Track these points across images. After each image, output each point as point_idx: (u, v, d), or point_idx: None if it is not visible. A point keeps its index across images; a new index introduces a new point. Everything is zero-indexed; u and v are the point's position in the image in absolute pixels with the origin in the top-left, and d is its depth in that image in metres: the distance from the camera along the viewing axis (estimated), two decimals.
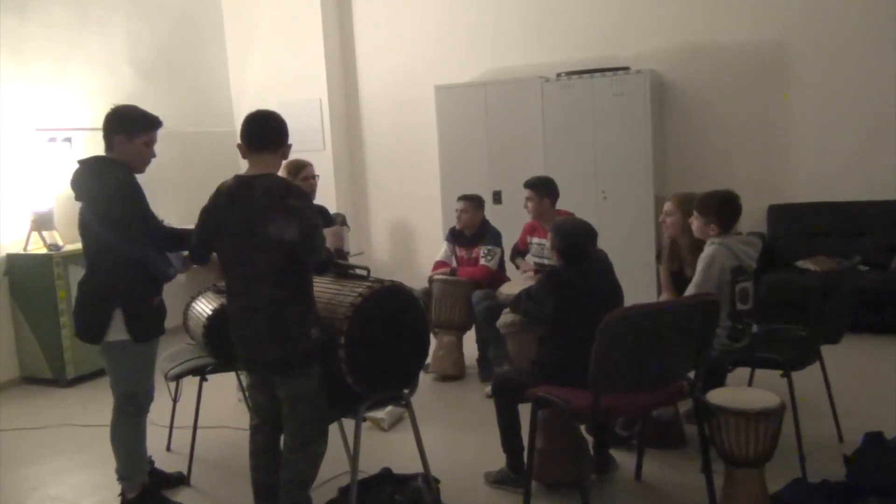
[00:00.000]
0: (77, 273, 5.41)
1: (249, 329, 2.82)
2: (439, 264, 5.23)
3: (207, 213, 2.90)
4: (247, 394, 2.99)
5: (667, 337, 2.88)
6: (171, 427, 4.05)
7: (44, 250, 5.46)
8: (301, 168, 4.41)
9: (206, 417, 3.91)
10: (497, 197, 6.61)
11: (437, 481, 3.31)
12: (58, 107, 5.90)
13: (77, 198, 3.22)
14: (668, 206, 3.94)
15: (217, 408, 4.49)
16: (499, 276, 4.99)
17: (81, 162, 3.25)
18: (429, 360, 5.07)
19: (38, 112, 5.74)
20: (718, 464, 3.00)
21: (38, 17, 5.79)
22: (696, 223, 3.62)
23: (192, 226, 3.02)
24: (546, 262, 4.56)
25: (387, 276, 3.35)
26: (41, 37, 5.81)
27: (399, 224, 7.72)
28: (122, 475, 3.31)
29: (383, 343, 2.95)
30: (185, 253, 3.29)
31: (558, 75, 6.43)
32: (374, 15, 7.50)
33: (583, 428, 3.47)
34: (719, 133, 6.41)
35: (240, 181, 2.82)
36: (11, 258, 5.50)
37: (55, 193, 5.71)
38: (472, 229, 5.12)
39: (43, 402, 5.14)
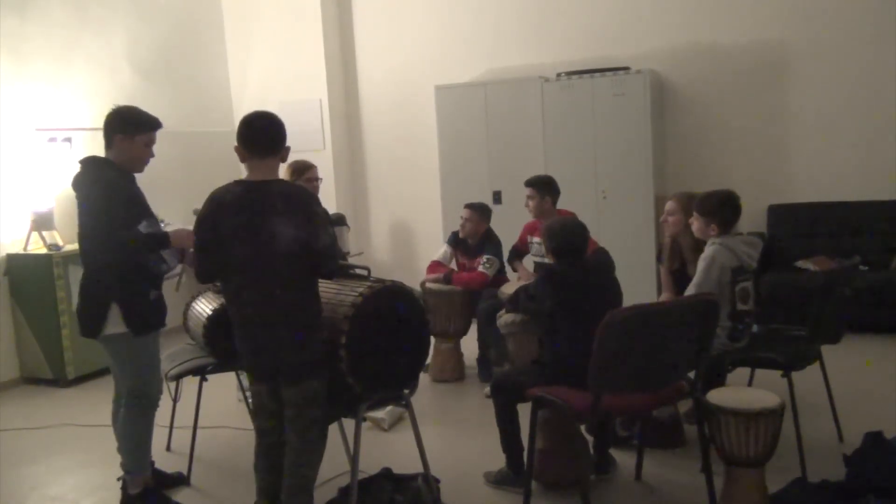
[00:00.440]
0: (77, 273, 5.40)
1: (267, 337, 2.76)
2: (435, 264, 5.21)
3: (207, 224, 2.76)
4: (250, 399, 2.98)
5: (667, 337, 2.88)
6: (171, 427, 4.05)
7: (44, 250, 5.46)
8: (306, 169, 4.38)
9: (206, 417, 3.91)
10: (497, 197, 6.60)
11: (437, 481, 3.31)
12: (58, 107, 5.90)
13: (77, 197, 3.23)
14: (669, 205, 3.94)
15: (217, 408, 4.49)
16: (498, 278, 5.00)
17: (80, 162, 3.29)
18: (428, 360, 5.11)
19: (38, 112, 5.74)
20: (718, 464, 3.00)
21: (38, 17, 5.79)
22: (696, 223, 3.62)
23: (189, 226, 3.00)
24: (547, 261, 4.56)
25: (387, 276, 3.35)
26: (41, 37, 5.81)
27: (399, 224, 7.72)
28: (128, 469, 3.33)
29: (384, 343, 2.95)
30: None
31: (558, 75, 6.43)
32: (374, 15, 7.50)
33: (583, 428, 3.47)
34: (719, 133, 6.41)
35: (249, 187, 2.72)
36: (11, 258, 5.50)
37: (55, 193, 5.71)
38: (474, 239, 5.10)
39: (43, 402, 5.14)
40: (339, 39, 7.61)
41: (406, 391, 3.15)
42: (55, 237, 5.60)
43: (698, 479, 3.07)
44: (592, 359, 2.72)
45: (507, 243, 5.16)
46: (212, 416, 4.25)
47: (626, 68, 6.21)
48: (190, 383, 3.81)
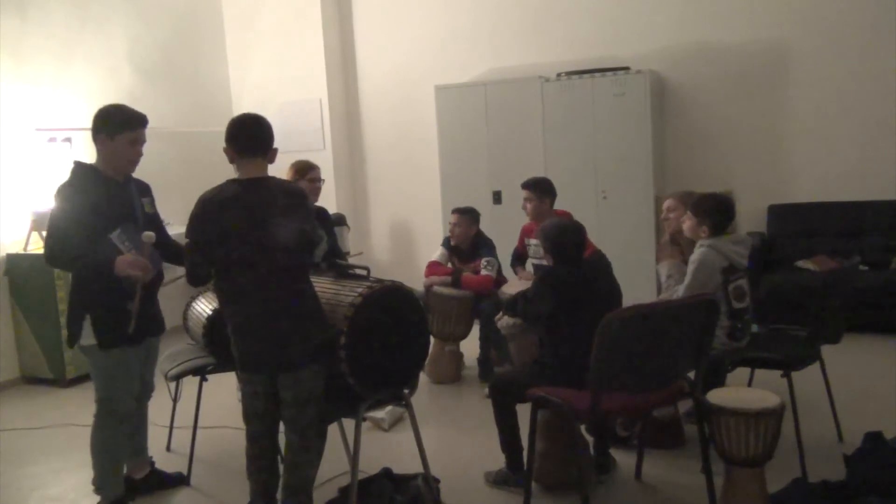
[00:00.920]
0: None
1: (267, 331, 2.77)
2: (434, 265, 5.19)
3: (200, 225, 2.75)
4: (244, 401, 2.95)
5: (667, 337, 2.88)
6: (171, 427, 4.05)
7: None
8: (309, 169, 4.34)
9: (206, 417, 3.91)
10: (497, 197, 6.61)
11: (437, 481, 3.31)
12: (58, 107, 5.90)
13: None
14: (669, 202, 3.95)
15: (217, 408, 4.49)
16: (497, 278, 5.01)
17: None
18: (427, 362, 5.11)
19: (38, 112, 5.74)
20: (718, 464, 3.00)
21: (38, 17, 5.79)
22: (688, 222, 3.63)
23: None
24: (545, 263, 4.56)
25: (387, 276, 3.35)
26: (41, 37, 5.81)
27: (399, 224, 7.72)
28: (96, 485, 3.27)
29: (383, 343, 2.95)
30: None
31: (558, 75, 6.43)
32: (374, 15, 7.50)
33: (583, 428, 3.47)
34: (719, 133, 6.41)
35: (246, 184, 2.76)
36: (11, 258, 5.50)
37: (55, 193, 5.70)
38: (465, 243, 5.10)
39: (43, 402, 5.14)
40: (339, 39, 7.61)
41: (406, 391, 3.15)
42: None
43: (698, 479, 3.06)
44: (592, 359, 2.72)
45: (508, 243, 5.15)
46: (212, 416, 4.25)
47: (626, 68, 6.21)
48: (190, 383, 3.82)
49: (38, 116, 5.74)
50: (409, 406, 3.17)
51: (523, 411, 3.23)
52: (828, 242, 5.89)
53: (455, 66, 7.10)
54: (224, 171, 2.92)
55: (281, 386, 2.84)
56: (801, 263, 5.76)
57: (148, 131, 3.25)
